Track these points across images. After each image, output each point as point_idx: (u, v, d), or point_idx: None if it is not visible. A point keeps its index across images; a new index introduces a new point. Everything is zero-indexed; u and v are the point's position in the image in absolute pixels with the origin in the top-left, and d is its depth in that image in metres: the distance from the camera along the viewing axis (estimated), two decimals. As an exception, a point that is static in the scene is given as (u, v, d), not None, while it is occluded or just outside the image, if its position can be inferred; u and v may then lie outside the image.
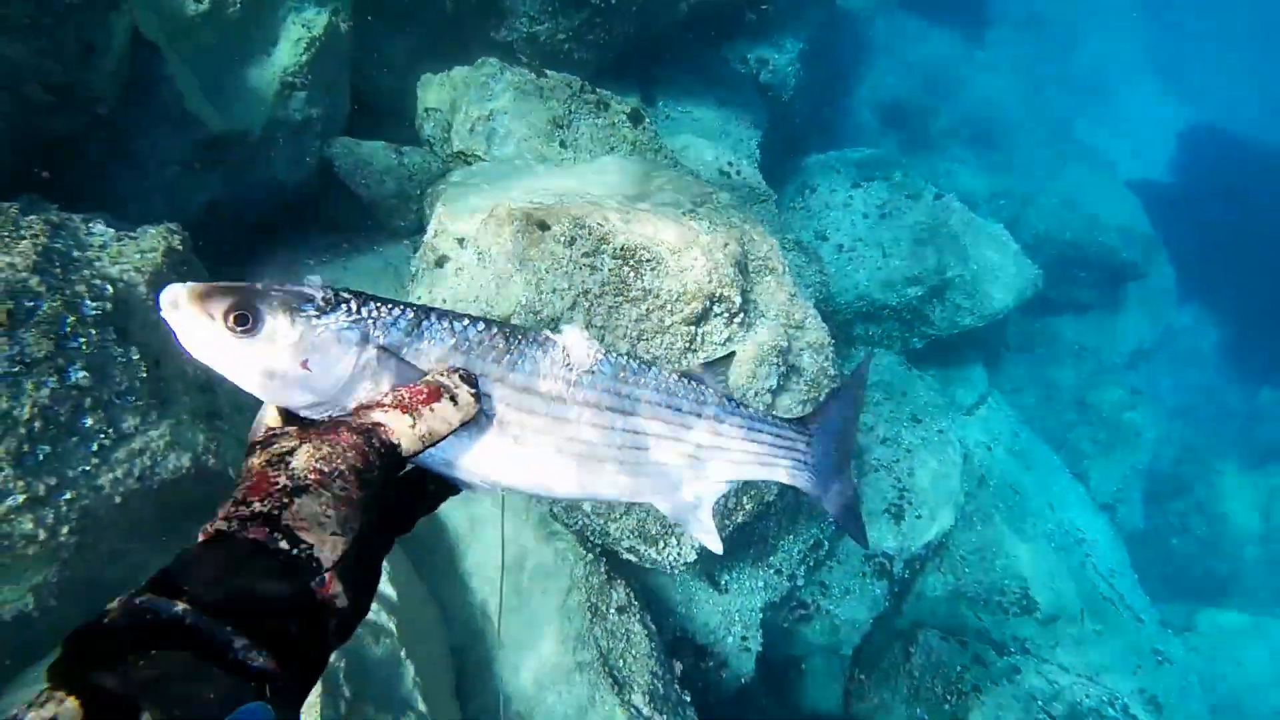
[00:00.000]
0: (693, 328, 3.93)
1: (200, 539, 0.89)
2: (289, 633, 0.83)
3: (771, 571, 6.04)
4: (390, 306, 1.20)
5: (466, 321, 1.24)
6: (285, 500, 0.92)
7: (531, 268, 3.89)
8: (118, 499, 3.48)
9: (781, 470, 1.54)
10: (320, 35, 5.61)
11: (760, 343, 4.18)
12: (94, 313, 3.46)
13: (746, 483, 4.43)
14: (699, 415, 1.41)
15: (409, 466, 1.14)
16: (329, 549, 0.90)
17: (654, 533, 4.13)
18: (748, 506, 4.36)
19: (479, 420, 1.19)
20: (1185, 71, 17.30)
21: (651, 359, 4.01)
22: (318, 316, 1.15)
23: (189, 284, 1.13)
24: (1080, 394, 10.16)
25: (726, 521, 4.35)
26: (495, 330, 1.25)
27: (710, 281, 3.85)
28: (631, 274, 3.77)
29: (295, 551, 0.88)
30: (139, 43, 4.61)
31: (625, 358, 1.36)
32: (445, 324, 1.22)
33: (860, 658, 7.29)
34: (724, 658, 5.88)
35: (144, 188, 4.92)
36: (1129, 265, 10.50)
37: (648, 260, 3.77)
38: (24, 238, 3.43)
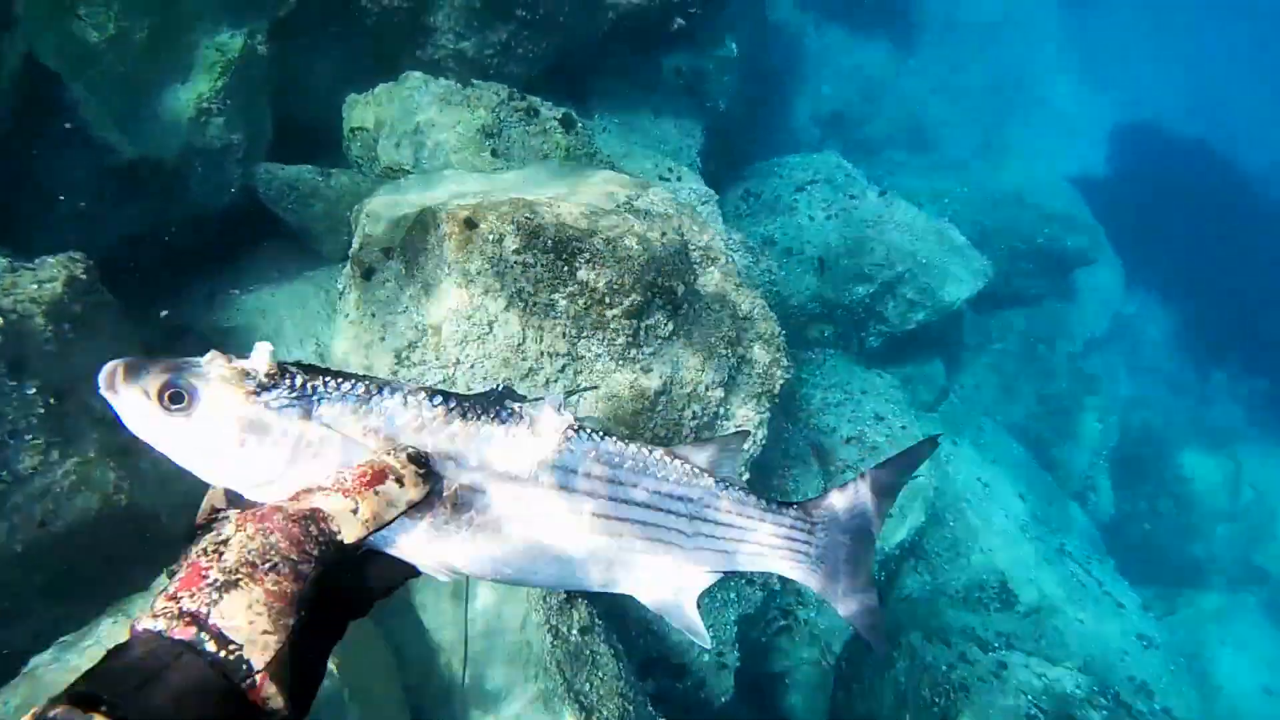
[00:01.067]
0: (634, 320, 3.74)
1: (128, 635, 0.86)
2: None
3: (743, 582, 5.82)
4: (340, 381, 1.14)
5: (422, 395, 1.16)
6: (215, 596, 0.87)
7: (461, 270, 3.68)
8: (17, 548, 3.17)
9: (776, 561, 1.40)
10: (236, 59, 5.41)
11: (706, 334, 4.01)
12: (-21, 345, 3.18)
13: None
14: (683, 499, 1.29)
15: (363, 549, 1.07)
16: (259, 650, 0.85)
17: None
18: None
19: (431, 503, 1.12)
20: (1108, 66, 17.82)
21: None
22: (256, 394, 1.09)
23: (126, 359, 1.09)
24: (1039, 384, 10.17)
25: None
26: (453, 404, 1.17)
27: (649, 272, 3.68)
28: (565, 268, 3.59)
29: (223, 654, 0.84)
30: (36, 69, 4.37)
31: (600, 434, 1.25)
32: (397, 398, 1.14)
33: (844, 667, 7.06)
34: (701, 676, 5.62)
35: (53, 220, 4.67)
36: (1075, 254, 10.62)
37: (581, 253, 3.59)
38: (-104, 269, 3.16)
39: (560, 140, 5.31)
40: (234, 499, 1.10)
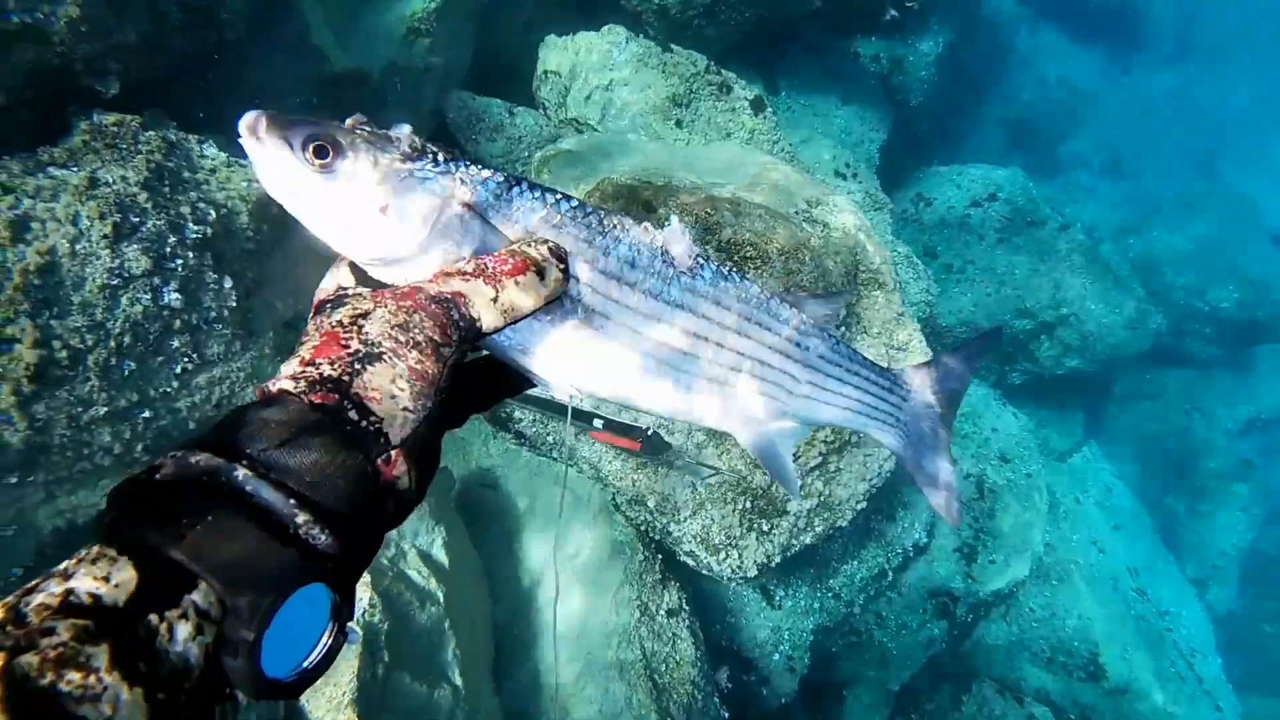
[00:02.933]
0: (791, 335, 3.70)
1: (258, 397, 0.81)
2: (350, 511, 0.76)
3: (829, 595, 5.79)
4: (480, 166, 1.09)
5: (560, 195, 1.12)
6: (357, 367, 0.83)
7: (631, 249, 3.72)
8: (191, 424, 3.50)
9: (868, 422, 1.41)
10: (452, -17, 5.53)
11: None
12: (195, 236, 3.46)
13: (820, 504, 4.20)
14: (799, 345, 1.27)
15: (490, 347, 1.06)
16: (399, 425, 0.83)
17: (718, 541, 3.95)
18: (818, 529, 4.12)
19: (563, 304, 1.08)
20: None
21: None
22: (402, 161, 1.04)
23: (269, 111, 1.03)
24: (1185, 457, 9.44)
25: (793, 541, 4.13)
26: (590, 210, 1.13)
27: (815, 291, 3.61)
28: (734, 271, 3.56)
29: (364, 424, 0.80)
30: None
31: (728, 267, 1.22)
32: (536, 193, 1.10)
33: (907, 695, 6.98)
34: (767, 674, 5.68)
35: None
36: (1261, 326, 9.66)
37: (753, 259, 3.55)
38: (140, 153, 3.45)
39: (747, 121, 5.21)
40: (361, 279, 1.07)
